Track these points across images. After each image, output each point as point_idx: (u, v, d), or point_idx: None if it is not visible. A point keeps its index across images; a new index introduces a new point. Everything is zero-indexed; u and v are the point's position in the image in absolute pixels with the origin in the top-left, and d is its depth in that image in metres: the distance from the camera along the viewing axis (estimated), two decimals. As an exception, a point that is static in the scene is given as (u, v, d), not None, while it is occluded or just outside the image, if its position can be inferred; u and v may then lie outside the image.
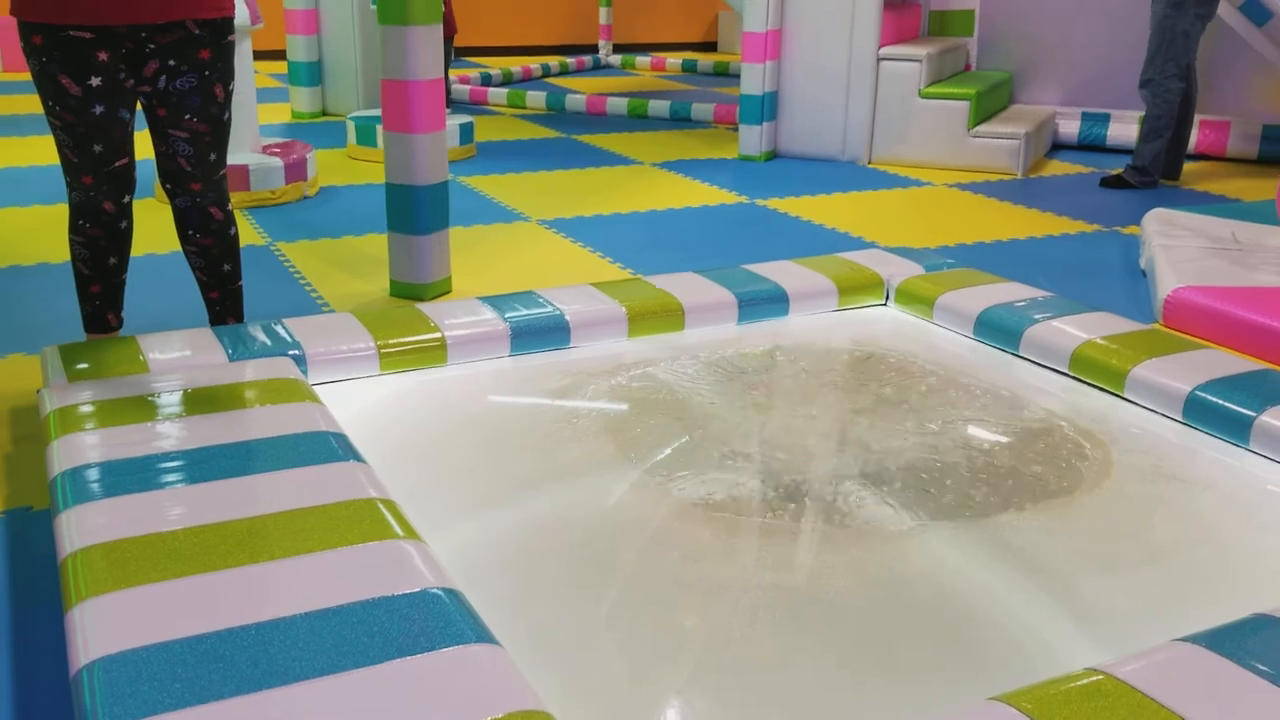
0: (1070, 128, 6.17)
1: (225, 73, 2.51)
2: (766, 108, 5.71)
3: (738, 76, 9.36)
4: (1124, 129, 5.98)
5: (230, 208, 2.66)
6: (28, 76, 8.21)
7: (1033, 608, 1.80)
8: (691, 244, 4.18)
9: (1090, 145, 6.13)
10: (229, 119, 2.56)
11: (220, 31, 2.48)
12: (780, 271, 3.14)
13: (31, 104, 7.05)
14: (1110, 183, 5.25)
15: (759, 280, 3.06)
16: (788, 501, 2.10)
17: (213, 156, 2.55)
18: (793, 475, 2.20)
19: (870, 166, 5.67)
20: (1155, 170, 5.17)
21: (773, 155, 5.84)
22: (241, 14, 4.35)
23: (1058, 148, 6.22)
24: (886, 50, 5.59)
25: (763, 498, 2.11)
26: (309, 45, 6.80)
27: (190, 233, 2.62)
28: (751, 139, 5.75)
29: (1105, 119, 6.11)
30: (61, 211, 4.37)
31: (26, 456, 2.35)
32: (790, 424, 2.45)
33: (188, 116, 2.47)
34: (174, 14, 2.38)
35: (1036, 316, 2.81)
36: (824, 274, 3.13)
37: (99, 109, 2.40)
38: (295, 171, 4.65)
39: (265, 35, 5.55)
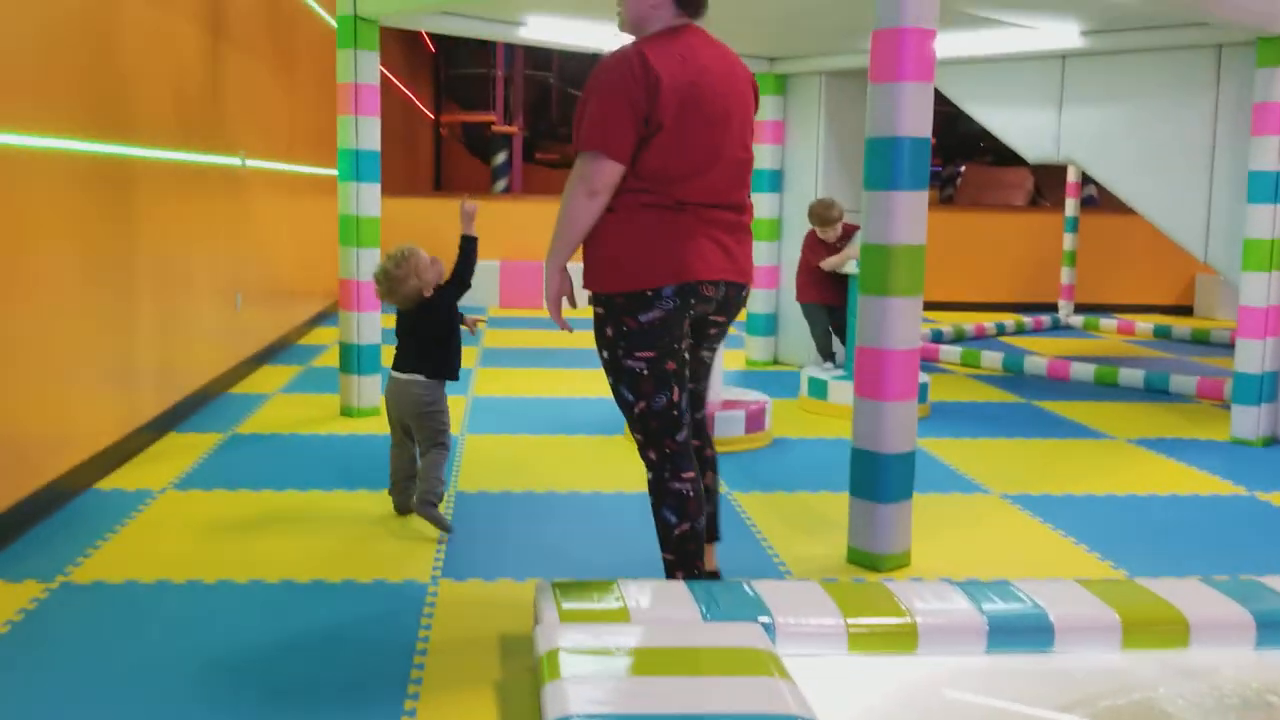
0: None
1: (597, 338, 2.71)
2: (1265, 388, 5.14)
3: (1220, 345, 8.66)
4: None
5: (648, 455, 2.72)
6: (521, 312, 9.36)
7: None
8: (1180, 540, 3.74)
9: None
10: (617, 369, 2.67)
11: (597, 300, 2.70)
12: (1310, 592, 2.69)
13: (521, 338, 8.00)
14: None
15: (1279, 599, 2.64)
16: None
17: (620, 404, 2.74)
18: None
19: (1402, 464, 4.86)
20: None
21: (1273, 440, 5.20)
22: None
23: None
24: None
25: None
26: (767, 298, 7.21)
27: None
28: (1247, 421, 5.17)
29: None
30: (564, 442, 4.88)
31: (519, 686, 2.45)
32: (1340, 793, 2.01)
33: None
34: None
35: None
36: (1370, 602, 2.63)
37: None
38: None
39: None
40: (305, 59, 7.71)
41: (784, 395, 6.01)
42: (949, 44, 5.78)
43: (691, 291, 2.63)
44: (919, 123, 3.24)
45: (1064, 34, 5.52)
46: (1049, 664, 2.48)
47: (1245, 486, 4.42)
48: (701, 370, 2.91)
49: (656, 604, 2.48)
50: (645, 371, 2.64)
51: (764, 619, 2.44)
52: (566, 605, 2.46)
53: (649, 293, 2.60)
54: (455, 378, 3.66)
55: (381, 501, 3.85)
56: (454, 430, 5.06)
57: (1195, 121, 5.55)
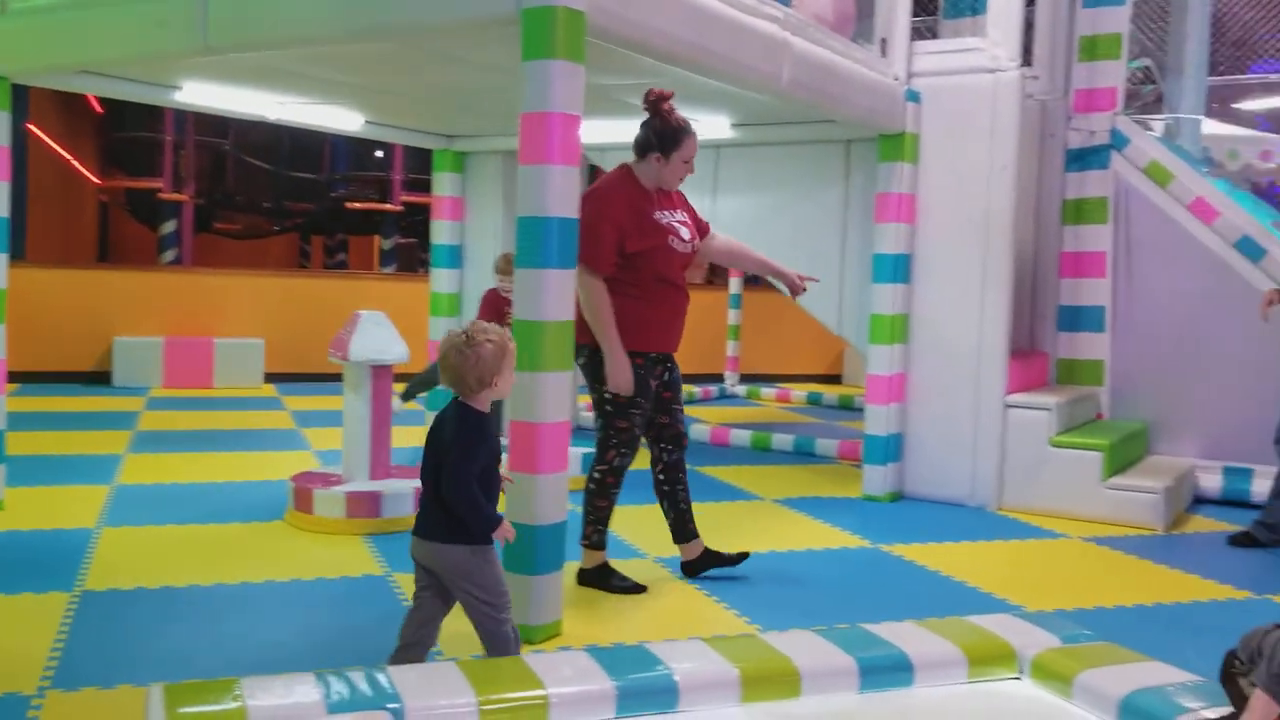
0: (1212, 481, 5.92)
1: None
2: (891, 449, 5.69)
3: (863, 411, 9.48)
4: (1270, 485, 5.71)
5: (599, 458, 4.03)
6: (188, 392, 8.85)
7: None
8: (812, 591, 4.04)
9: (1235, 501, 5.85)
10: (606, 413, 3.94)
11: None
12: (905, 635, 2.97)
13: (185, 420, 7.55)
14: (1240, 541, 4.97)
15: (881, 644, 2.90)
16: None
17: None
18: None
19: (1000, 513, 5.51)
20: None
21: (898, 496, 5.75)
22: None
23: (1199, 502, 5.95)
24: (1014, 398, 5.57)
25: None
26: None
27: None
28: (876, 479, 5.70)
29: (1248, 474, 5.85)
30: (216, 531, 4.57)
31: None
32: (915, 821, 2.22)
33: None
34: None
35: (1189, 705, 2.56)
36: (952, 641, 2.94)
37: None
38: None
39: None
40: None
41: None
42: (607, 130, 6.07)
43: None
44: (567, 204, 3.37)
45: (717, 126, 5.94)
46: (674, 724, 2.59)
47: (870, 539, 4.85)
48: None
49: (278, 699, 2.37)
50: None
51: (393, 705, 2.39)
52: (180, 710, 2.30)
53: None
54: (468, 540, 2.86)
55: (-10, 605, 3.47)
56: (89, 523, 4.63)
57: (829, 209, 6.13)
